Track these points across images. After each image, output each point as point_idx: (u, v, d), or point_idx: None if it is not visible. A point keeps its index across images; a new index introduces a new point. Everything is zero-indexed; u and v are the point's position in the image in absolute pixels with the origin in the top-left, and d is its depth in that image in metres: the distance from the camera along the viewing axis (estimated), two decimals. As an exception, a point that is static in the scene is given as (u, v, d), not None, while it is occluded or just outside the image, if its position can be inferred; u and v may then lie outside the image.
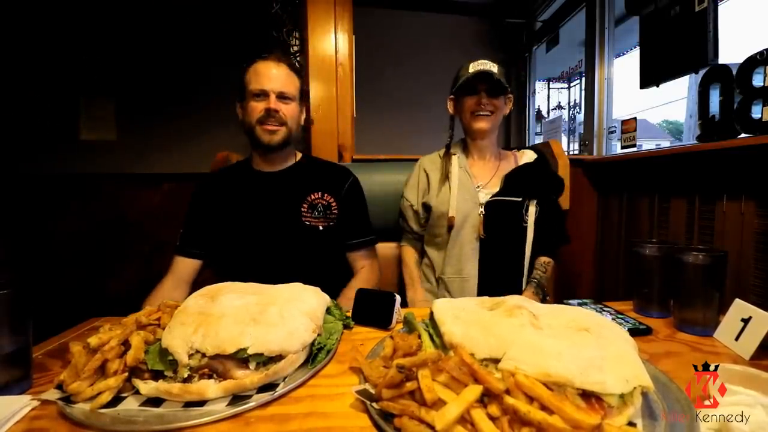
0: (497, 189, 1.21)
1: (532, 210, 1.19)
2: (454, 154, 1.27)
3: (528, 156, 1.31)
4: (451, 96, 1.27)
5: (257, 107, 1.05)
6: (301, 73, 1.15)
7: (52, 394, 0.49)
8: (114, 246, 2.50)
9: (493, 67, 1.18)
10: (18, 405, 0.48)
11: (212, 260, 1.13)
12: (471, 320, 0.53)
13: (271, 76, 1.06)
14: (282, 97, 1.06)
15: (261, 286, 0.68)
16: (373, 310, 0.75)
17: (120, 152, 2.70)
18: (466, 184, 1.21)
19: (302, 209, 1.10)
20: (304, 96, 1.15)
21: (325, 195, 1.13)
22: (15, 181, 2.50)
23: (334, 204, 1.14)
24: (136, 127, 2.72)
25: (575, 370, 0.42)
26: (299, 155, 1.21)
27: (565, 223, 1.31)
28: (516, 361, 0.44)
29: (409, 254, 1.34)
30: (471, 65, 1.19)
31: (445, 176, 1.24)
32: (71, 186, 2.53)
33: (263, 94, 1.05)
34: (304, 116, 1.17)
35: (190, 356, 0.50)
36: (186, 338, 0.51)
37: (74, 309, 1.15)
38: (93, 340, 0.52)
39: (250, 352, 0.50)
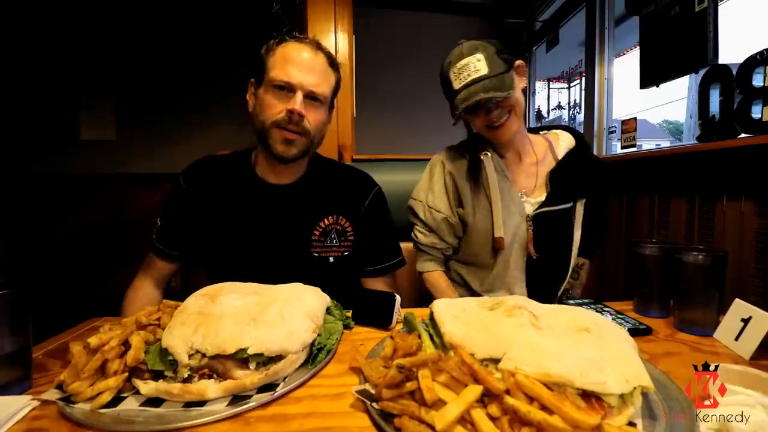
0: (543, 196, 1.01)
1: (580, 210, 1.03)
2: (486, 154, 1.01)
3: (565, 141, 1.07)
4: None
5: (277, 105, 0.82)
6: (339, 69, 0.91)
7: (52, 394, 0.49)
8: (114, 246, 2.51)
9: (480, 65, 0.90)
10: (18, 405, 0.48)
11: (195, 267, 1.02)
12: (471, 320, 0.53)
13: (304, 66, 0.82)
14: (311, 97, 0.84)
15: (261, 285, 0.68)
16: (374, 310, 0.75)
17: (120, 152, 2.70)
18: (510, 194, 0.99)
19: (312, 238, 0.92)
20: (334, 97, 0.92)
21: (341, 218, 0.94)
22: (15, 181, 2.50)
23: (349, 229, 0.96)
24: (136, 127, 2.72)
25: (575, 371, 0.42)
26: (309, 159, 0.99)
27: (605, 223, 1.19)
28: (516, 362, 0.44)
29: (443, 280, 1.08)
30: (452, 74, 0.93)
31: (479, 183, 1.01)
32: (71, 186, 2.53)
33: (288, 89, 0.82)
34: (328, 125, 0.94)
35: (190, 356, 0.50)
36: (186, 338, 0.50)
37: (74, 309, 1.15)
38: (93, 340, 0.52)
39: (250, 352, 0.50)
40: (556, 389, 0.42)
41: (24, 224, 2.50)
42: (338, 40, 1.78)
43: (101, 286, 2.45)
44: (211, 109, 2.74)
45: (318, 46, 0.87)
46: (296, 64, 0.82)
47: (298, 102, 0.81)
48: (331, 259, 0.95)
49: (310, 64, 0.83)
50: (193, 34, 2.70)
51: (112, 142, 2.71)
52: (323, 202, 0.95)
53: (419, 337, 0.57)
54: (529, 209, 1.00)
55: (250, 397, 0.50)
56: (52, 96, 2.63)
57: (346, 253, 0.97)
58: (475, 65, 0.92)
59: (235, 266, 0.91)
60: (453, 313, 0.56)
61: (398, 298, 0.74)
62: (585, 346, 0.47)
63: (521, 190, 1.02)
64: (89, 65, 2.64)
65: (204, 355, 0.50)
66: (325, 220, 0.94)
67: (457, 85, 0.93)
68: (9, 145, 2.58)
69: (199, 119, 2.75)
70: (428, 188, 1.07)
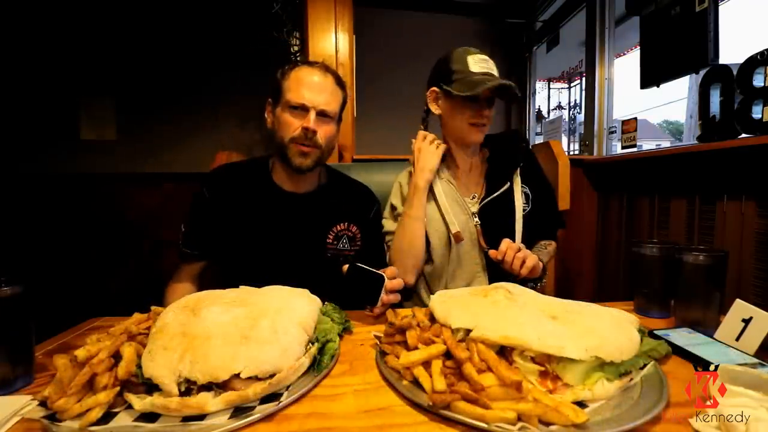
0: (484, 191, 1.10)
1: (517, 181, 1.09)
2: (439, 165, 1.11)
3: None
4: (434, 89, 1.08)
5: (293, 123, 0.93)
6: (345, 87, 1.04)
7: (37, 412, 0.45)
8: (114, 246, 2.50)
9: (494, 69, 1.02)
10: (18, 405, 0.48)
11: (221, 267, 1.06)
12: (454, 302, 0.61)
13: (315, 88, 0.94)
14: (322, 114, 0.95)
15: (247, 294, 0.64)
16: (362, 288, 0.77)
17: (120, 152, 2.70)
18: (453, 195, 1.09)
19: (327, 241, 1.04)
20: (341, 111, 1.03)
21: (351, 226, 1.07)
22: (15, 181, 2.50)
23: (358, 235, 1.08)
24: (136, 127, 2.72)
25: (533, 335, 0.48)
26: (321, 171, 1.09)
27: (557, 204, 1.23)
28: (483, 330, 0.51)
29: None
30: (471, 59, 1.01)
31: (433, 192, 1.10)
32: (71, 186, 2.53)
33: (302, 109, 0.93)
34: (337, 136, 1.04)
35: (179, 384, 0.46)
36: (172, 366, 0.46)
37: (74, 309, 1.15)
38: (80, 353, 0.48)
39: (243, 376, 0.47)
40: (519, 360, 0.49)
41: (24, 224, 2.50)
42: (338, 40, 1.78)
43: (101, 286, 2.45)
44: (211, 109, 2.73)
45: (326, 69, 0.99)
46: (308, 86, 0.94)
47: (311, 120, 0.93)
48: (341, 259, 1.04)
49: (320, 85, 0.95)
50: (194, 33, 2.69)
51: (112, 142, 2.70)
52: (336, 211, 1.06)
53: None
54: (475, 208, 1.09)
55: (253, 408, 0.47)
56: (53, 95, 2.62)
57: (354, 255, 1.07)
58: (493, 65, 1.03)
59: (255, 267, 0.99)
60: (442, 299, 0.64)
61: (386, 277, 0.77)
62: (548, 323, 0.52)
63: (472, 194, 1.12)
64: (90, 64, 2.64)
65: (194, 383, 0.47)
66: (338, 225, 1.05)
67: (475, 69, 1.00)
68: (8, 145, 2.58)
69: (200, 119, 2.75)
70: (388, 207, 1.18)
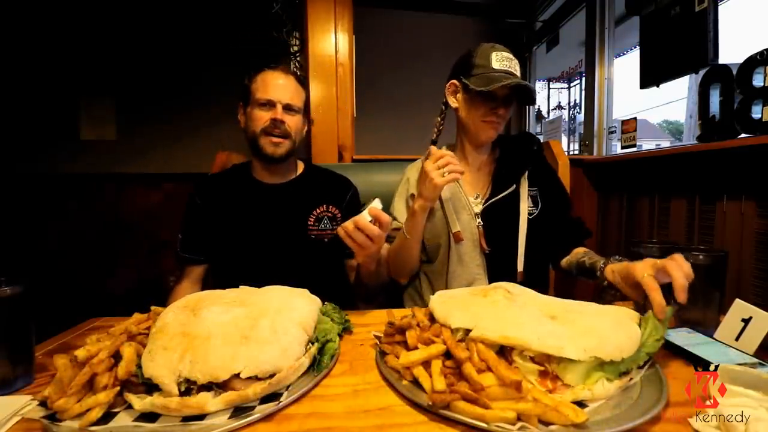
0: (490, 191, 1.08)
1: (524, 185, 1.07)
2: None
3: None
4: (454, 81, 1.06)
5: (263, 116, 1.03)
6: (306, 86, 1.14)
7: (37, 412, 0.45)
8: (114, 246, 2.50)
9: (518, 70, 1.02)
10: (18, 405, 0.48)
11: (215, 265, 1.12)
12: (454, 303, 0.61)
13: (279, 86, 1.05)
14: (288, 108, 1.05)
15: (247, 294, 0.64)
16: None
17: (120, 152, 2.70)
18: (457, 194, 1.07)
19: (309, 223, 1.11)
20: (306, 109, 1.14)
21: (330, 207, 1.14)
22: (15, 180, 2.50)
23: (339, 215, 1.14)
24: (136, 127, 2.72)
25: (533, 336, 0.48)
26: (301, 166, 1.19)
27: (572, 206, 1.16)
28: (482, 330, 0.51)
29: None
30: (494, 55, 1.00)
31: None
32: (71, 186, 2.53)
33: (270, 104, 1.04)
34: (305, 129, 1.16)
35: (179, 384, 0.47)
36: (172, 366, 0.46)
37: (74, 309, 1.15)
38: (80, 353, 0.48)
39: (243, 376, 0.48)
40: (519, 359, 0.49)
41: (24, 224, 2.50)
42: (338, 40, 1.78)
43: (101, 286, 2.45)
44: (211, 109, 2.73)
45: (288, 71, 1.10)
46: (274, 86, 1.05)
47: (279, 112, 1.03)
48: (326, 239, 1.12)
49: (284, 84, 1.06)
50: (194, 33, 2.69)
51: (112, 142, 2.70)
52: (314, 195, 1.14)
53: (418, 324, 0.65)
54: (478, 208, 1.06)
55: (252, 408, 0.47)
56: (53, 95, 2.62)
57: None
58: (516, 65, 1.03)
59: (246, 258, 1.08)
60: (442, 299, 0.64)
61: (377, 200, 0.81)
62: (548, 323, 0.52)
63: (476, 193, 1.10)
64: (89, 65, 2.64)
65: (194, 383, 0.47)
66: (318, 209, 1.12)
67: (496, 65, 1.00)
68: (9, 145, 2.58)
69: (199, 119, 2.75)
70: (396, 196, 1.18)
